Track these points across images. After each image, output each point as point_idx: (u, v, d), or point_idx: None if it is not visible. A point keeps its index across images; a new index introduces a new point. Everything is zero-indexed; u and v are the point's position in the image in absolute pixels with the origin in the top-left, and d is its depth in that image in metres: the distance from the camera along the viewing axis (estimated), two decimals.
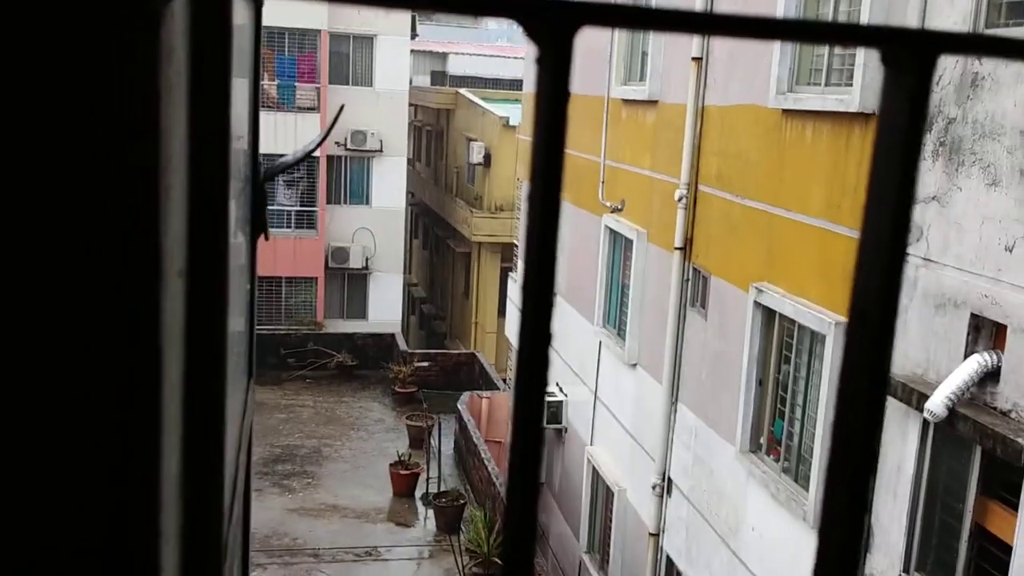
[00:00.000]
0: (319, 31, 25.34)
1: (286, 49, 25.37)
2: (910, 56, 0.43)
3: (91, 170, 0.51)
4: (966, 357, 6.34)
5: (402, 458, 18.07)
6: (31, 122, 0.50)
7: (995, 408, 6.19)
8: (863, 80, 7.51)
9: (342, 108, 4.00)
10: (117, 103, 0.50)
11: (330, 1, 0.41)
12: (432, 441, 18.52)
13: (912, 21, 6.96)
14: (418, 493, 17.81)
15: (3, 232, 0.51)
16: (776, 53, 8.80)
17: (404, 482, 17.80)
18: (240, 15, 1.29)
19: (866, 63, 7.48)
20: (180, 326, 0.69)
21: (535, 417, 0.43)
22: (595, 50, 13.61)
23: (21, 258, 0.51)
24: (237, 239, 1.34)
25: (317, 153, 24.98)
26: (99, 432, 0.56)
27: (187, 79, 0.68)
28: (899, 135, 0.43)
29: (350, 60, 26.33)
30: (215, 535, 0.95)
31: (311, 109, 25.14)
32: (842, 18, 8.15)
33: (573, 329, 14.66)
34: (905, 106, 0.43)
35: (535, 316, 0.42)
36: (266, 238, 1.74)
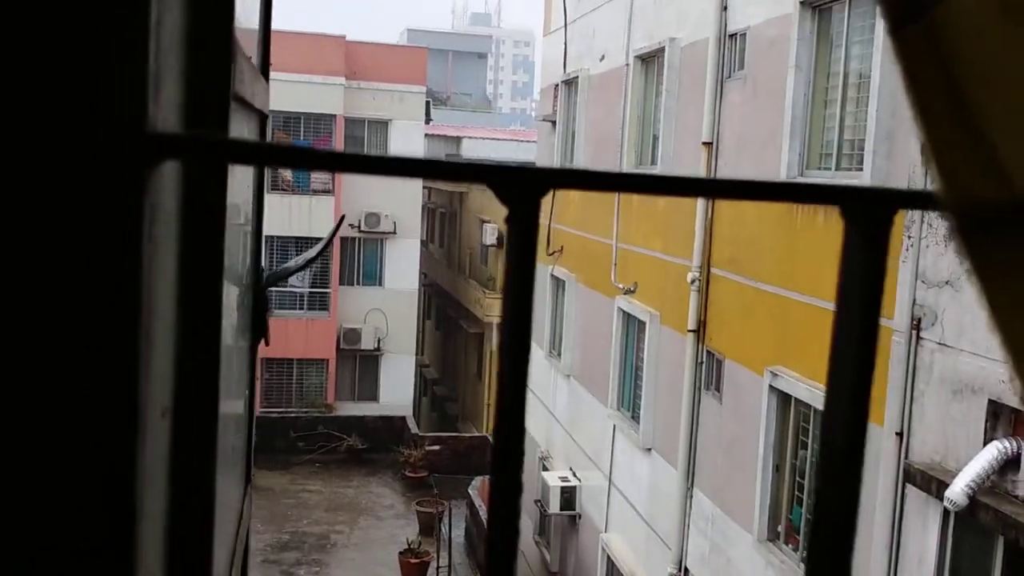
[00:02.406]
0: (334, 116, 25.82)
1: (302, 133, 25.82)
2: (867, 211, 0.46)
3: (70, 327, 0.51)
4: (985, 444, 6.21)
5: (412, 546, 17.74)
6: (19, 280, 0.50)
7: (1016, 497, 6.04)
8: (873, 163, 7.54)
9: (343, 218, 4.09)
10: (98, 261, 0.51)
11: (335, 170, 0.45)
12: (443, 528, 18.19)
13: None
14: None
15: None
16: (786, 137, 8.88)
17: (414, 571, 17.44)
18: (244, 129, 1.30)
19: (875, 149, 7.53)
20: (164, 472, 0.68)
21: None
22: (607, 134, 13.79)
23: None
24: (237, 346, 1.35)
25: None
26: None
27: (178, 228, 0.69)
28: (858, 290, 0.45)
29: (365, 143, 26.74)
30: None
31: (325, 192, 25.45)
32: (850, 108, 8.24)
33: (587, 412, 14.52)
34: (864, 257, 0.45)
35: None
36: (266, 343, 1.72)
